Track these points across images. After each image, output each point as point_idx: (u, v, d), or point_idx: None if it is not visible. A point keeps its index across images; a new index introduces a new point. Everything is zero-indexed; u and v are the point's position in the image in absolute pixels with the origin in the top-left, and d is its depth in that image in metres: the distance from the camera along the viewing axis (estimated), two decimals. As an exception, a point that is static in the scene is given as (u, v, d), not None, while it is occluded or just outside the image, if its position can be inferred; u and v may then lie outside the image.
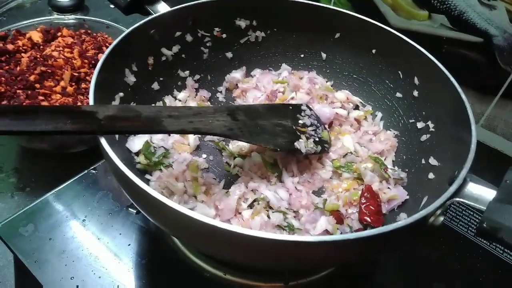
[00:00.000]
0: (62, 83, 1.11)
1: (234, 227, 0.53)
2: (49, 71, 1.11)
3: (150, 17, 0.89)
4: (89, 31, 1.33)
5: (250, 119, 0.83)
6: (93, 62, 1.17)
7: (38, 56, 1.14)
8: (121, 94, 0.84)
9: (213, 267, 0.82)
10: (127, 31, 0.84)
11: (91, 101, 0.69)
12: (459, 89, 0.80)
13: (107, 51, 0.78)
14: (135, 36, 0.86)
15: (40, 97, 1.06)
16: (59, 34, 1.28)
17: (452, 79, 0.82)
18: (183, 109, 0.75)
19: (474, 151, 0.69)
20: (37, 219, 0.88)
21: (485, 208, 0.60)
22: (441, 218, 0.63)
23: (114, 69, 0.81)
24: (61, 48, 1.20)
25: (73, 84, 1.13)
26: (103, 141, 0.63)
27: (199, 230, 0.57)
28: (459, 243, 0.96)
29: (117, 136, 0.81)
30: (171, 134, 0.92)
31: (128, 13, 0.94)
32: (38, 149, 1.14)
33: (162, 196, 0.56)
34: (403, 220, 0.57)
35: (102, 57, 0.77)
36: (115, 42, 0.81)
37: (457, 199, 0.63)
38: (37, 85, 1.08)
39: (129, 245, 0.86)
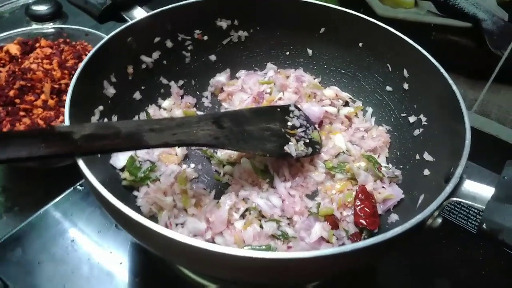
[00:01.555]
0: (43, 97, 1.08)
1: (221, 248, 0.50)
2: (29, 85, 1.07)
3: (125, 25, 0.86)
4: (67, 40, 1.29)
5: (236, 125, 0.80)
6: (73, 72, 1.13)
7: (16, 69, 1.11)
8: (101, 107, 0.81)
9: (210, 281, 0.80)
10: (101, 42, 0.80)
11: (66, 120, 0.66)
12: (450, 80, 0.77)
13: (81, 65, 0.75)
14: (111, 46, 0.82)
15: (21, 113, 1.03)
16: (37, 45, 1.24)
17: (441, 69, 0.80)
18: (165, 121, 0.72)
19: (469, 147, 0.66)
20: (24, 242, 0.85)
21: (483, 207, 0.58)
22: (439, 220, 0.60)
23: (91, 82, 0.78)
24: (39, 60, 1.16)
25: (54, 96, 1.09)
26: (80, 163, 0.60)
27: (187, 252, 0.54)
28: (460, 236, 0.94)
29: (99, 153, 0.78)
30: (157, 146, 0.89)
31: (103, 22, 0.90)
32: (24, 166, 1.10)
33: (146, 220, 0.53)
34: (400, 226, 0.55)
35: (76, 72, 0.74)
36: (89, 55, 0.77)
37: (455, 199, 0.61)
38: (17, 100, 1.04)
39: (121, 263, 0.83)
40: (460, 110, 0.72)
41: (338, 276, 0.74)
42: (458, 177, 0.61)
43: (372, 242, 0.53)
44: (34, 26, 1.53)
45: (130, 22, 0.87)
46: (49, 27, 1.41)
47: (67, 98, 0.69)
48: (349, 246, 0.51)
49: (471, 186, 0.62)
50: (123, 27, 0.85)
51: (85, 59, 0.76)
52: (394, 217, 0.78)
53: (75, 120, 0.69)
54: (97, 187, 0.57)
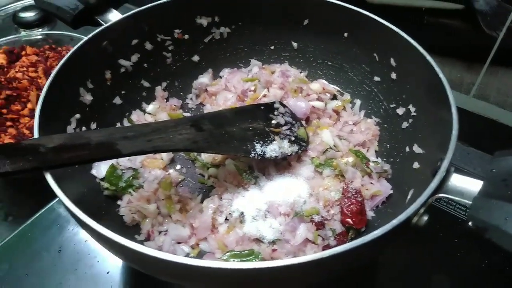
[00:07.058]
0: (29, 105, 1.07)
1: (191, 260, 0.48)
2: (15, 94, 1.07)
3: (99, 29, 0.83)
4: (53, 46, 1.28)
5: (216, 127, 0.77)
6: (59, 79, 1.13)
7: (2, 79, 1.10)
8: (77, 115, 0.79)
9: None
10: (74, 48, 0.78)
11: (35, 132, 0.64)
12: (437, 68, 0.73)
13: (53, 73, 0.73)
14: (85, 52, 0.80)
15: (8, 123, 1.03)
16: (23, 53, 1.24)
17: (427, 56, 0.75)
18: (139, 128, 0.69)
19: (456, 138, 0.62)
20: (11, 255, 0.84)
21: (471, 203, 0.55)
22: (425, 218, 0.57)
23: (65, 90, 0.76)
24: (25, 68, 1.17)
25: (41, 104, 1.08)
26: (48, 178, 0.58)
27: (162, 266, 0.52)
28: (458, 228, 0.89)
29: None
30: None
31: (77, 27, 0.88)
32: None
33: (118, 236, 0.51)
34: (380, 229, 0.52)
35: (48, 80, 0.72)
36: (62, 62, 0.75)
37: (441, 195, 0.58)
38: (4, 110, 1.04)
39: (108, 272, 0.81)
40: (447, 99, 0.68)
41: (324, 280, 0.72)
42: (444, 171, 0.58)
43: (350, 247, 0.50)
44: (23, 33, 1.52)
45: (104, 25, 0.85)
46: (36, 34, 1.41)
47: (37, 108, 0.67)
48: (320, 254, 0.49)
49: (458, 181, 0.58)
50: (97, 31, 0.83)
51: (57, 66, 0.74)
52: (370, 214, 0.76)
53: (48, 130, 0.67)
54: (67, 204, 0.55)
